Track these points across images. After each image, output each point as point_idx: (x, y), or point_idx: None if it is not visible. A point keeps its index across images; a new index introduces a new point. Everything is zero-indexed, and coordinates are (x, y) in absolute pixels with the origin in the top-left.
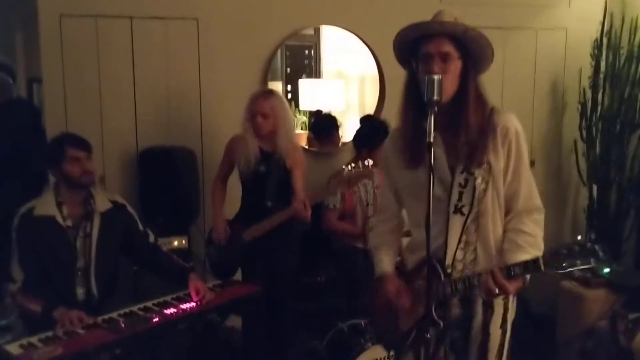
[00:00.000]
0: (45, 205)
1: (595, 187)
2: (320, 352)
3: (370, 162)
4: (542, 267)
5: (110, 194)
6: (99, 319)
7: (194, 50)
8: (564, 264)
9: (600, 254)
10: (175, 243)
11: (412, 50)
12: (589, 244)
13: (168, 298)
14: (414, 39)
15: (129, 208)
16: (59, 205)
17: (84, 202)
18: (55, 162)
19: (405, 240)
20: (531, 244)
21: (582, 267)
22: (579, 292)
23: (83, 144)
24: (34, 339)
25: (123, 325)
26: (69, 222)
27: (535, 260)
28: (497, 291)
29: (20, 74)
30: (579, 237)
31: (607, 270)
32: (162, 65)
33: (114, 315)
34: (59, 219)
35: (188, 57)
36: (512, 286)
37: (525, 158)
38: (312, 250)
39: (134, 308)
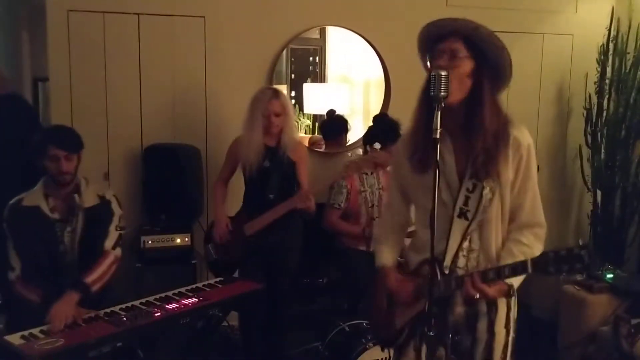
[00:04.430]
0: (34, 196)
1: (599, 193)
2: (322, 352)
3: (378, 145)
4: (530, 269)
5: (102, 188)
6: (101, 312)
7: (201, 48)
8: (551, 268)
9: (586, 259)
10: (178, 240)
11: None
12: (575, 249)
13: (170, 293)
14: (432, 40)
15: (114, 205)
16: (46, 197)
17: (68, 197)
18: (39, 155)
19: (407, 241)
20: (525, 254)
21: (569, 272)
22: (581, 297)
23: (65, 143)
24: (35, 330)
25: (125, 318)
26: (56, 215)
27: (523, 262)
28: (477, 295)
29: (26, 73)
30: (580, 242)
31: (610, 275)
32: (169, 63)
33: (116, 309)
34: (45, 209)
35: (194, 55)
36: (492, 289)
37: (534, 174)
38: (314, 251)
39: (136, 302)
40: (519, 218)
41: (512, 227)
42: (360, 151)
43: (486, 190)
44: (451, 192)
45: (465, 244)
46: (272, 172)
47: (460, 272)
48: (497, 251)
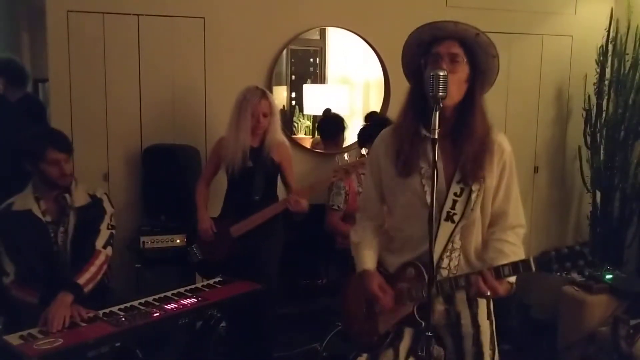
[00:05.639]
0: (24, 200)
1: (598, 194)
2: (320, 352)
3: (365, 151)
4: (533, 268)
5: (92, 187)
6: (100, 312)
7: (200, 49)
8: (554, 266)
9: (589, 257)
10: (178, 241)
11: (421, 54)
12: (577, 247)
13: (169, 293)
14: (426, 42)
15: (106, 203)
16: (37, 200)
17: (59, 198)
18: (34, 159)
19: None
20: (515, 253)
21: (572, 270)
22: (580, 298)
23: (64, 146)
24: (34, 331)
25: (124, 318)
26: (48, 218)
27: (525, 261)
28: (488, 292)
29: None
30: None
31: (609, 276)
32: (168, 64)
33: (115, 309)
34: (37, 213)
35: (194, 56)
36: (501, 287)
37: (516, 179)
38: (314, 252)
39: (135, 303)
40: (505, 221)
41: (497, 228)
42: (346, 156)
43: (474, 195)
44: (438, 196)
45: (449, 245)
46: (256, 173)
47: (444, 272)
48: (476, 251)
